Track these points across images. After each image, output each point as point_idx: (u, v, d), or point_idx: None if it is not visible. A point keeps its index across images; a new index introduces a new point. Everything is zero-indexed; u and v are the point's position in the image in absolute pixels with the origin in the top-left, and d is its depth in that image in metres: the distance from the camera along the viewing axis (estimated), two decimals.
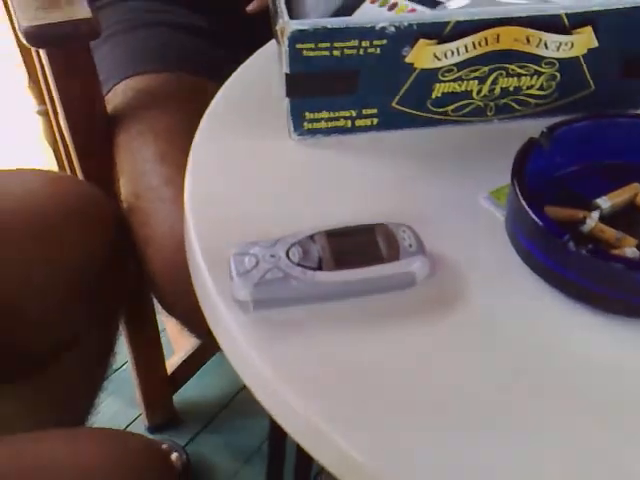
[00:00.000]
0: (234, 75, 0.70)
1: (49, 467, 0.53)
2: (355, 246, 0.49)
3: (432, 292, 0.48)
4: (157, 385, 1.13)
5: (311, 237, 0.49)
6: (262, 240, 0.49)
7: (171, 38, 0.98)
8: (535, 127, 0.55)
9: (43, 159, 1.20)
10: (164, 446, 1.11)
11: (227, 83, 0.69)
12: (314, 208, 0.55)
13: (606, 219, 0.50)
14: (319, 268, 0.47)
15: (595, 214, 0.50)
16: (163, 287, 0.77)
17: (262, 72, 0.68)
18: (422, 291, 0.48)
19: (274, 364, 0.45)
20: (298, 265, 0.47)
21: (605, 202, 0.51)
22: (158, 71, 0.93)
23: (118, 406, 1.22)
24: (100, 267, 0.76)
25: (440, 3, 0.64)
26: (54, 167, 1.12)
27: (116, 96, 0.92)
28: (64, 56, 0.80)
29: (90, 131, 0.86)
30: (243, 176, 0.59)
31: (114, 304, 0.83)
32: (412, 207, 0.55)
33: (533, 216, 0.46)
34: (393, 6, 0.65)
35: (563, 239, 0.45)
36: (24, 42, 0.79)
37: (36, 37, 0.78)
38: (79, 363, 0.80)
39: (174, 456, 1.12)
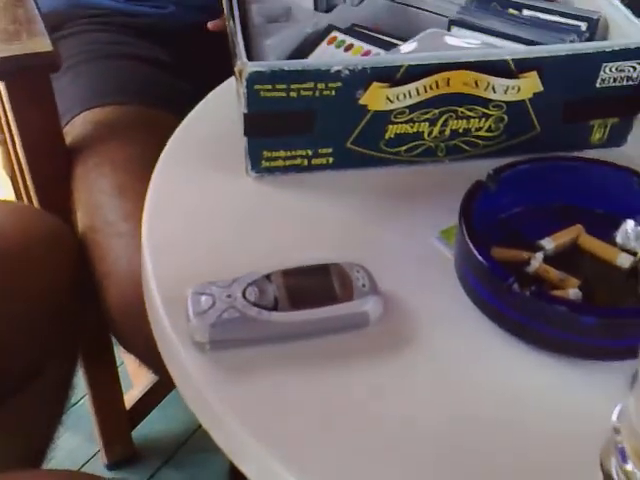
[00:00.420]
0: (195, 109, 0.71)
1: None
2: (310, 286, 0.50)
3: (385, 332, 0.50)
4: (115, 420, 1.12)
5: (267, 277, 0.50)
6: (220, 280, 0.50)
7: (132, 70, 0.98)
8: (484, 167, 0.57)
9: (1, 189, 1.20)
10: None
11: (188, 117, 0.70)
12: (271, 246, 0.56)
13: (550, 260, 0.52)
14: (275, 308, 0.48)
15: (539, 255, 0.52)
16: (120, 323, 0.77)
17: (223, 107, 0.69)
18: (375, 331, 0.49)
19: (229, 405, 0.45)
20: (254, 305, 0.48)
21: (549, 243, 0.53)
22: (118, 103, 0.93)
23: (77, 442, 1.21)
24: (60, 298, 0.75)
25: (394, 45, 0.67)
26: (12, 197, 1.12)
27: (75, 128, 0.92)
28: (23, 88, 0.80)
29: (48, 163, 0.86)
30: (202, 213, 0.60)
31: (74, 336, 0.83)
32: (366, 246, 0.56)
33: (479, 257, 0.48)
34: (349, 47, 0.67)
35: (508, 281, 0.46)
36: None
37: None
38: (38, 397, 0.80)
39: None
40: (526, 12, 0.68)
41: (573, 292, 0.49)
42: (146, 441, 1.20)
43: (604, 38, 0.65)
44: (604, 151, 0.64)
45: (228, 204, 0.60)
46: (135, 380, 1.19)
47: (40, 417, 0.83)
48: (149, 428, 1.21)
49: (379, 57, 0.62)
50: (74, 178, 0.88)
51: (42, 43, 0.81)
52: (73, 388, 0.86)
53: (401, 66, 0.57)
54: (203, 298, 0.49)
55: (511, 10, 0.68)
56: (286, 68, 0.56)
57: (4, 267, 0.71)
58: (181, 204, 0.61)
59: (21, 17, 0.87)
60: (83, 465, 1.18)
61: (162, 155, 0.65)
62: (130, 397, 1.15)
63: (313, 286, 0.50)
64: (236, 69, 0.57)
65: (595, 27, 0.65)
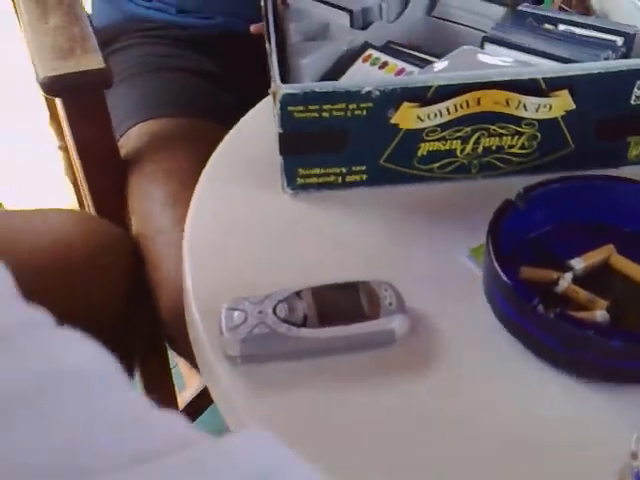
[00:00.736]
0: (240, 123, 0.73)
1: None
2: (338, 303, 0.52)
3: (411, 350, 0.51)
4: None
5: (298, 293, 0.52)
6: (253, 296, 0.52)
7: (183, 83, 1.02)
8: (518, 184, 0.58)
9: (65, 194, 1.25)
10: None
11: (232, 131, 0.73)
12: (304, 263, 0.58)
13: (580, 279, 0.53)
14: (303, 325, 0.50)
15: (568, 275, 0.52)
16: (171, 329, 0.80)
17: (266, 121, 0.71)
18: (401, 349, 0.51)
19: (258, 417, 0.47)
20: (284, 321, 0.50)
21: (579, 263, 0.53)
22: (171, 116, 0.97)
23: None
24: (120, 304, 0.79)
25: (428, 62, 0.67)
26: (75, 202, 1.17)
27: (130, 139, 0.96)
28: (78, 104, 0.84)
29: (103, 175, 0.90)
30: (240, 228, 0.62)
31: (130, 341, 0.86)
32: (396, 264, 0.57)
33: (504, 278, 0.49)
34: (383, 65, 0.68)
35: (532, 302, 0.47)
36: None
37: (52, 87, 0.82)
38: None
39: None
40: (561, 27, 0.68)
41: (600, 314, 0.49)
42: None
43: None
44: None
45: (265, 220, 0.62)
46: (188, 382, 1.23)
47: None
48: (201, 428, 1.24)
49: (409, 77, 0.63)
50: (129, 187, 0.92)
51: (95, 60, 0.85)
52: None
53: (431, 86, 0.58)
54: (236, 314, 0.51)
55: (547, 25, 0.68)
56: (318, 90, 0.58)
57: (69, 275, 0.75)
58: (221, 218, 0.63)
59: (76, 35, 0.91)
60: None
61: (205, 169, 0.68)
62: (183, 398, 1.19)
63: (341, 303, 0.52)
64: (270, 91, 0.59)
65: (632, 42, 0.65)
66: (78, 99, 0.83)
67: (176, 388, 1.14)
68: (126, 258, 0.80)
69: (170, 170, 0.89)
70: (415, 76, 0.63)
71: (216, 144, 0.70)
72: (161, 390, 1.13)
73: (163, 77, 1.05)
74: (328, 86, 0.58)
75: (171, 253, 0.79)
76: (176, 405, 1.16)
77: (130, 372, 0.89)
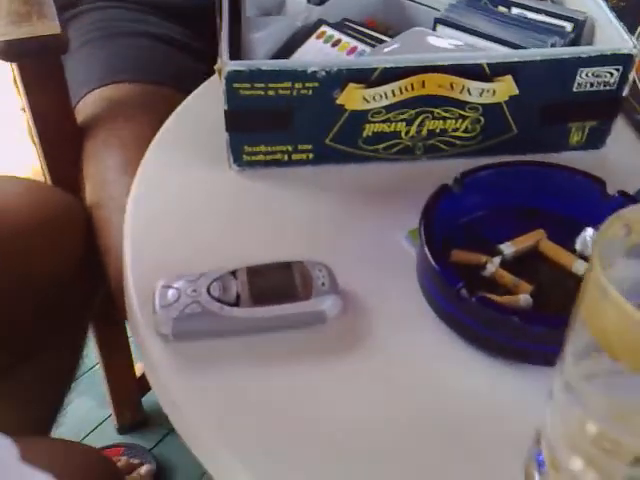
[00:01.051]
0: (195, 92, 0.73)
1: None
2: (272, 283, 0.53)
3: (341, 331, 0.52)
4: (126, 387, 1.17)
5: (233, 273, 0.53)
6: (188, 274, 0.53)
7: (146, 48, 1.01)
8: (462, 166, 0.59)
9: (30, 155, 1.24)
10: (134, 461, 1.15)
11: (185, 101, 0.73)
12: (244, 241, 0.59)
13: (509, 263, 0.54)
14: (236, 304, 0.51)
15: (497, 259, 0.53)
16: (119, 297, 0.80)
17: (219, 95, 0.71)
18: (332, 329, 0.52)
19: (186, 393, 0.48)
20: (217, 300, 0.51)
21: (508, 248, 0.54)
22: (130, 81, 0.96)
23: (90, 405, 1.27)
24: (72, 273, 0.79)
25: (381, 42, 0.68)
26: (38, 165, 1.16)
27: (87, 105, 0.95)
28: (33, 70, 0.83)
29: (58, 141, 0.89)
30: (183, 203, 0.62)
31: (82, 311, 0.87)
32: (336, 243, 0.58)
33: (432, 262, 0.50)
34: (336, 43, 0.68)
35: (456, 286, 0.48)
36: None
37: (5, 52, 0.81)
38: (45, 367, 0.84)
39: (144, 469, 1.15)
40: (515, 10, 0.68)
41: (524, 298, 0.51)
42: (155, 408, 1.24)
43: (590, 39, 0.66)
44: (583, 153, 0.65)
45: (209, 196, 0.63)
46: None
47: (47, 386, 0.88)
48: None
49: (355, 59, 0.64)
50: (84, 154, 0.91)
51: (50, 25, 0.84)
52: (81, 359, 0.91)
53: (376, 68, 0.58)
54: (170, 291, 0.51)
55: (501, 7, 0.69)
56: (264, 68, 0.58)
57: (19, 243, 0.75)
58: (165, 192, 0.63)
59: None
60: (96, 428, 1.25)
61: (155, 138, 0.68)
62: (141, 366, 1.20)
63: (275, 283, 0.53)
64: (216, 67, 0.59)
65: (581, 28, 0.65)
66: (33, 65, 0.82)
67: (134, 357, 1.16)
68: (78, 226, 0.80)
69: (126, 137, 0.89)
70: (361, 58, 0.63)
71: None
72: (118, 358, 1.15)
73: (124, 42, 1.03)
74: (274, 64, 0.58)
75: (121, 220, 0.80)
76: (133, 372, 1.17)
77: (83, 340, 0.89)
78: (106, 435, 1.23)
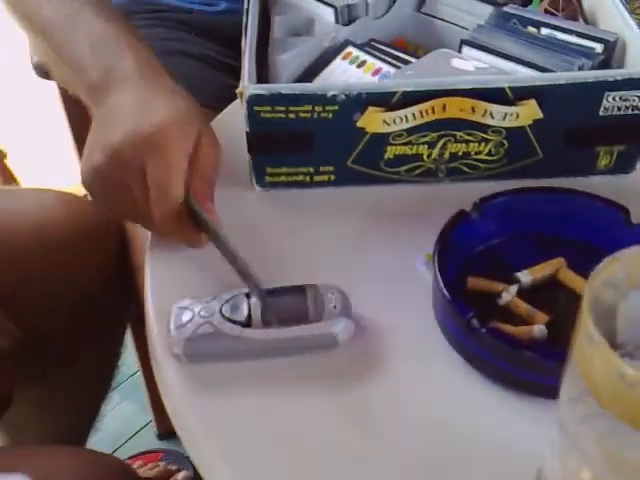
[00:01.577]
0: (223, 112, 0.74)
1: None
2: (285, 305, 0.53)
3: (353, 356, 0.52)
4: None
5: (247, 294, 0.53)
6: (205, 296, 0.54)
7: (185, 67, 1.02)
8: (485, 189, 0.58)
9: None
10: (172, 467, 1.16)
11: (215, 120, 0.74)
12: (265, 261, 0.59)
13: (527, 292, 0.53)
14: (247, 325, 0.52)
15: (513, 288, 0.52)
16: None
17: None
18: (344, 353, 0.52)
19: (195, 415, 0.49)
20: (228, 321, 0.52)
21: (525, 276, 0.53)
22: None
23: (133, 410, 1.30)
24: (105, 287, 0.81)
25: (408, 62, 0.67)
26: None
27: None
28: None
29: None
30: None
31: (115, 323, 0.89)
32: (353, 265, 0.58)
33: (444, 290, 0.49)
34: (362, 64, 0.68)
35: (467, 316, 0.48)
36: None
37: (44, 71, 0.84)
38: (80, 380, 0.86)
39: (182, 475, 1.16)
40: (544, 31, 0.67)
41: (538, 329, 0.50)
42: None
43: (621, 61, 0.64)
44: (611, 177, 0.64)
45: (233, 216, 0.63)
46: None
47: (82, 396, 0.90)
48: None
49: (374, 83, 0.63)
50: None
51: None
52: (116, 368, 0.93)
53: (396, 92, 0.58)
54: (184, 313, 0.52)
55: (530, 28, 0.68)
56: (284, 92, 0.58)
57: (54, 255, 0.77)
58: None
59: None
60: (137, 432, 1.27)
61: None
62: None
63: (288, 306, 0.53)
64: (237, 91, 0.60)
65: (612, 50, 0.64)
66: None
67: None
68: (112, 240, 0.82)
69: None
70: (380, 82, 0.63)
71: None
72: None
73: (164, 61, 1.05)
74: (294, 88, 0.58)
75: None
76: None
77: (117, 350, 0.92)
78: (146, 441, 1.25)
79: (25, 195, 0.84)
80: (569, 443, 0.36)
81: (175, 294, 0.55)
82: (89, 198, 0.98)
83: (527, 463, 0.43)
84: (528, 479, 0.43)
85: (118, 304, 0.89)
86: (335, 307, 0.52)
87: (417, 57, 0.70)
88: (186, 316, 0.52)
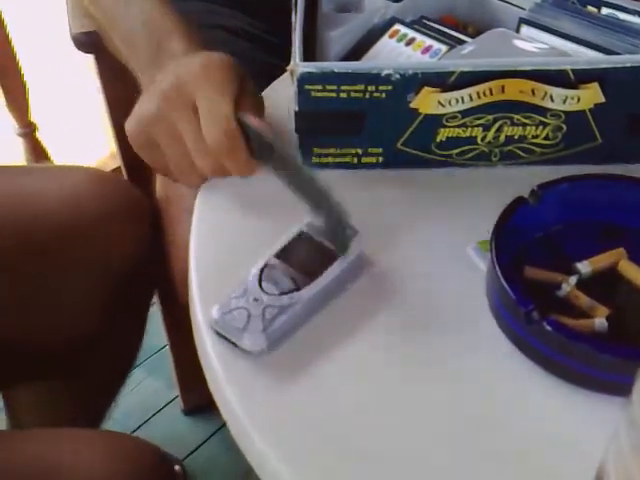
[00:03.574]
0: (268, 89, 0.72)
1: (51, 467, 0.58)
2: (307, 255, 0.53)
3: (403, 347, 0.50)
4: (192, 369, 1.18)
5: (266, 266, 0.52)
6: (233, 293, 0.51)
7: (220, 42, 1.01)
8: (540, 174, 0.56)
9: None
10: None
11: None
12: None
13: (586, 283, 0.51)
14: (298, 288, 0.51)
15: (572, 279, 0.51)
16: (180, 290, 0.81)
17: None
18: (392, 339, 0.51)
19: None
20: (280, 294, 0.51)
21: (585, 267, 0.51)
22: None
23: (158, 385, 1.30)
24: (135, 265, 0.80)
25: (459, 40, 0.65)
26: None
27: None
28: (108, 61, 0.84)
29: None
30: (251, 203, 0.61)
31: (143, 302, 0.88)
32: (400, 249, 0.56)
33: (502, 281, 0.47)
34: (410, 42, 0.66)
35: (528, 308, 0.46)
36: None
37: (84, 43, 0.83)
38: (107, 360, 0.86)
39: (177, 468, 1.16)
40: (605, 10, 0.64)
41: (599, 322, 0.48)
42: None
43: None
44: None
45: (277, 196, 0.62)
46: None
47: (107, 376, 0.90)
48: None
49: (431, 62, 0.61)
50: None
51: None
52: (139, 350, 0.92)
53: (454, 72, 0.56)
54: (235, 313, 0.50)
55: (590, 7, 0.65)
56: (336, 70, 0.56)
57: (87, 233, 0.76)
58: (234, 189, 0.63)
59: None
60: (162, 408, 1.27)
61: None
62: None
63: (310, 253, 0.53)
64: (288, 68, 0.58)
65: None
66: (108, 57, 0.83)
67: None
68: (142, 219, 0.81)
69: None
70: (437, 61, 0.61)
71: None
72: (184, 342, 1.15)
73: (205, 35, 1.03)
74: (347, 67, 0.56)
75: (187, 219, 0.80)
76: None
77: (142, 330, 0.91)
78: (172, 417, 1.25)
79: (58, 173, 0.83)
80: (636, 442, 0.35)
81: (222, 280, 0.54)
82: (123, 173, 0.97)
83: (588, 459, 0.42)
84: (588, 476, 0.42)
85: (147, 282, 0.88)
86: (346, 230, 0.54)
87: (467, 35, 0.68)
88: (240, 315, 0.50)
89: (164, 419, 1.26)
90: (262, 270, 0.52)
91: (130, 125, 0.60)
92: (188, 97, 0.57)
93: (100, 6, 0.69)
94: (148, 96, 0.59)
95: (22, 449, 0.60)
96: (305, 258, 0.53)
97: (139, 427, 1.26)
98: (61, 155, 1.54)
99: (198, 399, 1.24)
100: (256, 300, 0.50)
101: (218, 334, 0.50)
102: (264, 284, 0.51)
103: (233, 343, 0.50)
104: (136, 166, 0.95)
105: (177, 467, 1.16)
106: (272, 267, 0.52)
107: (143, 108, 0.59)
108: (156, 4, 0.66)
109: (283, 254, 0.53)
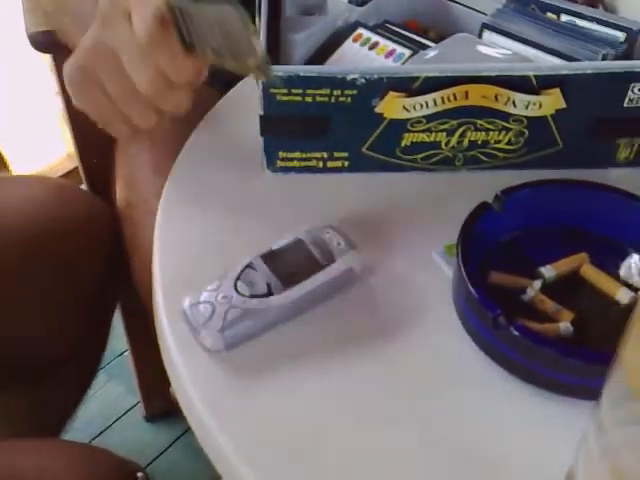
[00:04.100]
0: (231, 91, 0.72)
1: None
2: (292, 262, 0.52)
3: (368, 348, 0.50)
4: (154, 376, 1.17)
5: (249, 266, 0.52)
6: (208, 285, 0.51)
7: None
8: (503, 179, 0.57)
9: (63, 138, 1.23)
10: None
11: (222, 100, 0.72)
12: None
13: (550, 287, 0.52)
14: (269, 294, 0.50)
15: (537, 283, 0.51)
16: (145, 298, 0.80)
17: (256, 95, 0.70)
18: (361, 347, 0.51)
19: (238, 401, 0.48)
20: (251, 297, 0.50)
21: (549, 271, 0.52)
22: None
23: (120, 391, 1.27)
24: (96, 272, 0.79)
25: (422, 45, 0.65)
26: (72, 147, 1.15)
27: None
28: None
29: (92, 135, 0.88)
30: (214, 206, 0.61)
31: (107, 309, 0.86)
32: (366, 253, 0.56)
33: (469, 286, 0.48)
34: (374, 45, 0.66)
35: (494, 313, 0.46)
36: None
37: (40, 43, 0.81)
38: (69, 367, 0.84)
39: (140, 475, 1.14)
40: (564, 17, 0.65)
41: (564, 326, 0.49)
42: None
43: None
44: (631, 170, 0.62)
45: (242, 200, 0.61)
46: None
47: (72, 386, 0.88)
48: None
49: (396, 67, 0.62)
50: (116, 152, 0.91)
51: None
52: (103, 354, 0.90)
53: (418, 77, 0.56)
54: (201, 307, 0.50)
55: (549, 14, 0.66)
56: (302, 74, 0.56)
57: (44, 244, 0.74)
58: (196, 192, 0.62)
59: None
60: (124, 414, 1.25)
61: (188, 140, 0.67)
62: None
63: (295, 261, 0.52)
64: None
65: (635, 38, 0.62)
66: (66, 55, 0.81)
67: None
68: (103, 228, 0.80)
69: (156, 135, 0.87)
70: (402, 66, 0.61)
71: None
72: (146, 348, 1.13)
73: None
74: (313, 70, 0.56)
75: (151, 222, 0.79)
76: (161, 364, 1.16)
77: (106, 339, 0.89)
78: (133, 423, 1.24)
79: (17, 185, 0.81)
80: (605, 446, 0.35)
81: (186, 284, 0.53)
82: (80, 174, 0.95)
83: (556, 464, 0.42)
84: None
85: (110, 290, 0.86)
86: (339, 243, 0.52)
87: (430, 39, 0.68)
88: (205, 310, 0.50)
89: (126, 425, 1.24)
90: (243, 269, 0.51)
91: (66, 66, 0.54)
92: (124, 9, 0.50)
93: None
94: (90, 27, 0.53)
95: None
96: (289, 265, 0.52)
97: (100, 433, 1.24)
98: (17, 157, 1.50)
99: (159, 405, 1.23)
100: (225, 298, 0.50)
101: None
102: (239, 283, 0.50)
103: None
104: (94, 167, 0.94)
105: (140, 474, 1.14)
106: (253, 268, 0.51)
107: (82, 39, 0.53)
108: None
109: (269, 257, 0.52)
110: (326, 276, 0.51)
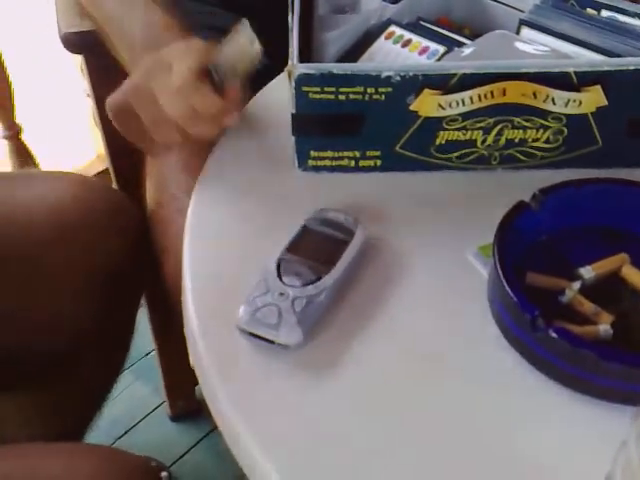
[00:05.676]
0: (263, 90, 0.71)
1: None
2: (317, 246, 0.54)
3: (406, 354, 0.49)
4: (180, 376, 1.17)
5: (281, 261, 0.52)
6: (254, 291, 0.50)
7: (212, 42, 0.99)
8: (539, 178, 0.55)
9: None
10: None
11: (254, 99, 0.71)
12: None
13: (589, 288, 0.50)
14: (319, 277, 0.51)
15: (576, 285, 0.50)
16: (174, 297, 0.79)
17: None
18: (397, 349, 0.50)
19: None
20: (304, 285, 0.50)
21: (588, 272, 0.50)
22: None
23: (146, 391, 1.27)
24: (119, 270, 0.78)
25: (456, 42, 0.64)
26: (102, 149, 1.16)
27: None
28: (98, 62, 0.82)
29: (122, 136, 0.89)
30: (244, 203, 0.61)
31: (131, 309, 0.86)
32: (400, 255, 0.55)
33: (506, 287, 0.47)
34: (407, 43, 0.65)
35: (532, 315, 0.45)
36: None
37: (73, 43, 0.81)
38: (80, 382, 0.83)
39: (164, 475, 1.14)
40: (605, 12, 0.64)
41: (603, 329, 0.47)
42: None
43: None
44: None
45: (272, 198, 0.61)
46: None
47: (94, 387, 0.87)
48: None
49: (432, 64, 0.60)
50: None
51: None
52: (128, 353, 0.90)
53: (455, 74, 0.55)
54: (265, 310, 0.49)
55: (589, 10, 0.64)
56: (335, 71, 0.55)
57: (63, 239, 0.74)
58: (228, 189, 0.62)
59: None
60: (149, 413, 1.25)
61: (220, 139, 0.67)
62: None
63: (319, 244, 0.53)
64: (286, 69, 0.57)
65: None
66: (98, 57, 0.82)
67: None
68: (127, 223, 0.79)
69: None
70: (438, 63, 0.60)
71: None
72: (172, 348, 1.14)
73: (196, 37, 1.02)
74: (346, 68, 0.55)
75: (181, 221, 0.78)
76: (187, 361, 1.16)
77: (130, 338, 0.89)
78: (159, 423, 1.23)
79: (42, 181, 0.80)
80: None
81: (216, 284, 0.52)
82: (111, 175, 0.95)
83: (594, 469, 0.41)
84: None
85: (136, 288, 0.86)
86: (346, 219, 0.55)
87: (465, 36, 0.67)
88: (270, 312, 0.49)
89: (151, 425, 1.24)
90: (278, 265, 0.51)
91: (111, 97, 0.63)
92: (167, 64, 0.59)
93: (102, 7, 0.72)
94: (134, 73, 0.63)
95: None
96: (316, 248, 0.53)
97: (126, 433, 1.24)
98: (47, 158, 1.51)
99: (185, 405, 1.23)
100: (282, 294, 0.50)
101: (250, 334, 0.49)
102: (285, 278, 0.50)
103: (268, 340, 0.49)
104: (124, 168, 0.94)
105: (164, 473, 1.14)
106: (288, 261, 0.52)
107: (126, 82, 0.62)
108: (157, 9, 0.68)
109: (294, 248, 0.53)
110: (355, 246, 0.53)
